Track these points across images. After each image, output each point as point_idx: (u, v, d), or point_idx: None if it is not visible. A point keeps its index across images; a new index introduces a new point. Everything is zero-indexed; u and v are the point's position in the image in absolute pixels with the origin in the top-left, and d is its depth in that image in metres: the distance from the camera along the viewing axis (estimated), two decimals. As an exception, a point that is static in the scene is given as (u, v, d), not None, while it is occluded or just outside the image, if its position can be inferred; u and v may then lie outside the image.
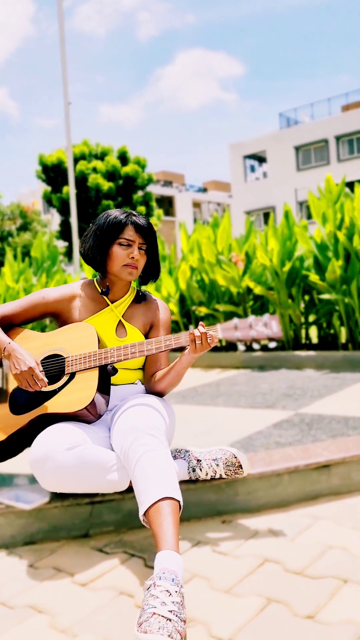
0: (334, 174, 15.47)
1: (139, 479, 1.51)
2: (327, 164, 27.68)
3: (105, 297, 1.90)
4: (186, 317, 5.96)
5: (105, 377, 1.79)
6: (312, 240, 4.74)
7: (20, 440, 1.81)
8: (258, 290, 4.97)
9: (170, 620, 1.15)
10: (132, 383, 1.92)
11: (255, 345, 1.77)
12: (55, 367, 1.82)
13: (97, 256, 1.84)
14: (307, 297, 5.25)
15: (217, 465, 1.79)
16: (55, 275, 6.33)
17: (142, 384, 1.93)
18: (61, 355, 1.82)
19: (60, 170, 20.33)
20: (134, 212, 1.86)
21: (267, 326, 1.73)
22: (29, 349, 1.84)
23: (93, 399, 1.71)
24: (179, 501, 1.47)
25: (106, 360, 1.75)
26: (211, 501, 1.85)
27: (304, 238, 4.82)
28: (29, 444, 1.84)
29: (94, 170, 20.64)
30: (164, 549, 1.33)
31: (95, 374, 1.76)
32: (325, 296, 4.47)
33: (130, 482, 1.69)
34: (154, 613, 1.16)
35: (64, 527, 1.77)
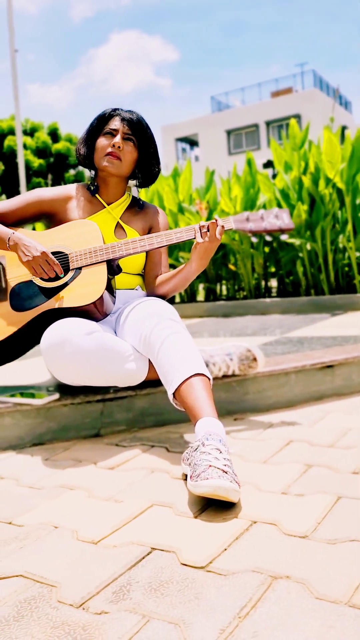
0: (265, 159, 15.51)
1: (164, 360, 1.46)
2: (258, 149, 27.95)
3: (100, 199, 1.82)
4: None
5: (110, 275, 1.72)
6: (276, 187, 4.76)
7: (23, 339, 1.72)
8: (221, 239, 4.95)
9: (226, 472, 1.11)
10: (133, 289, 1.86)
11: (267, 239, 1.74)
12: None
13: (82, 151, 1.79)
14: (267, 249, 5.28)
15: (231, 359, 1.77)
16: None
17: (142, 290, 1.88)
18: (63, 252, 1.72)
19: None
20: (122, 108, 1.79)
21: (279, 218, 1.70)
22: None
23: (102, 294, 1.64)
24: (210, 379, 1.43)
25: (114, 254, 1.68)
26: (222, 399, 1.82)
27: (267, 186, 4.83)
28: (32, 344, 1.75)
29: (24, 146, 19.83)
30: (204, 416, 1.30)
31: (103, 268, 1.68)
32: (290, 240, 4.52)
33: (148, 374, 1.64)
34: (210, 465, 1.12)
35: (74, 426, 1.70)
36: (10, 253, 1.75)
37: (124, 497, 1.21)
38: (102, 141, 1.74)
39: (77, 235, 1.74)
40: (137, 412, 1.75)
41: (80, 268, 1.69)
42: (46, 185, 19.32)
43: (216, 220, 1.64)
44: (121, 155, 1.73)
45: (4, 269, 1.76)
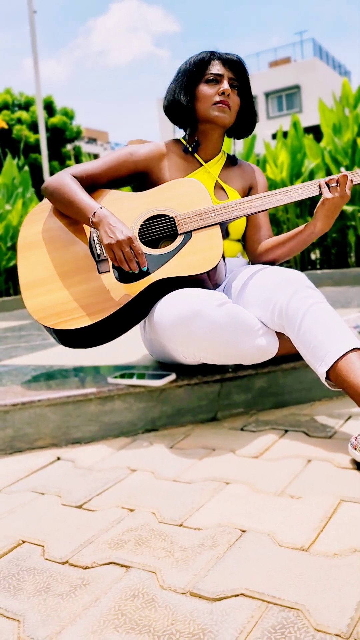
0: (265, 131, 14.83)
1: (310, 334, 1.29)
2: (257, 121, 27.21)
3: (197, 156, 1.63)
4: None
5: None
6: (324, 151, 4.52)
7: (131, 313, 1.55)
8: (266, 208, 4.74)
9: None
10: (234, 257, 1.69)
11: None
12: (163, 228, 1.55)
13: (182, 100, 1.55)
14: (309, 218, 5.07)
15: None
16: (31, 202, 5.80)
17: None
18: (168, 215, 1.54)
19: (-13, 120, 19.02)
20: (219, 50, 1.58)
21: None
22: (124, 210, 1.55)
23: (220, 260, 1.47)
24: (367, 355, 1.26)
25: (227, 215, 1.50)
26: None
27: (314, 151, 4.59)
28: (139, 318, 1.57)
29: (19, 121, 19.35)
30: (379, 397, 1.13)
31: (217, 232, 1.51)
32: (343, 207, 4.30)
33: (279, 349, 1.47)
34: None
35: (189, 409, 1.54)
36: None
37: (298, 491, 1.05)
38: (205, 89, 1.54)
39: (181, 195, 1.56)
40: (255, 393, 1.59)
41: (190, 232, 1.52)
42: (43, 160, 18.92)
43: (346, 174, 1.46)
44: (230, 102, 1.54)
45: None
